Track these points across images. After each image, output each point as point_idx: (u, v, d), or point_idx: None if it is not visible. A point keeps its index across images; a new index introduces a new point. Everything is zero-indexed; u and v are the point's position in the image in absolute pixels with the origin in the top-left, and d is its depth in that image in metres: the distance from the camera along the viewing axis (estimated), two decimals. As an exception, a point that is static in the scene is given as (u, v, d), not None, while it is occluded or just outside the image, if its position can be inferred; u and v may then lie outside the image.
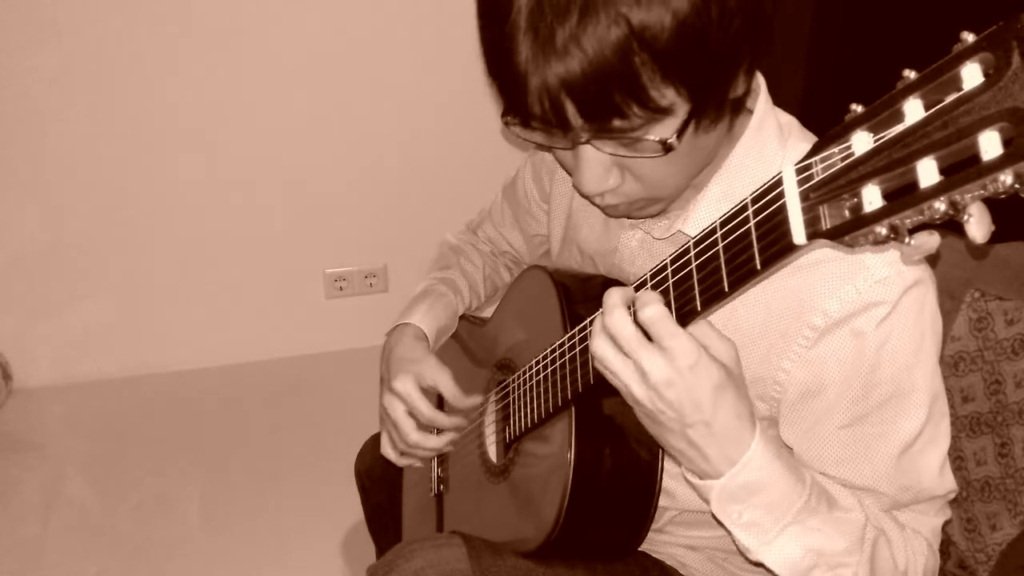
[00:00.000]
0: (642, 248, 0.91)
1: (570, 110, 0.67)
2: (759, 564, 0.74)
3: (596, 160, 0.73)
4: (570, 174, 0.79)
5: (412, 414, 1.03)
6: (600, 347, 0.69)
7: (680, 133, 0.69)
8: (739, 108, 0.77)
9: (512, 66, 0.67)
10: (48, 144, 2.05)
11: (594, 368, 0.74)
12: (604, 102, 0.66)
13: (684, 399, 0.66)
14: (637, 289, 0.71)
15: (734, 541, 0.74)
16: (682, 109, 0.68)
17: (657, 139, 0.69)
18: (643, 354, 0.66)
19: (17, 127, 2.02)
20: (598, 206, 0.81)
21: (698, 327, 0.68)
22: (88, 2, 1.93)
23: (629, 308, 0.69)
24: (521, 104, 0.69)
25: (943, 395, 0.80)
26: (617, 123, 0.68)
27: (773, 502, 0.71)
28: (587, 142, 0.72)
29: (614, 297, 0.67)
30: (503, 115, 0.74)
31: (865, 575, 0.75)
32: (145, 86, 2.04)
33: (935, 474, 0.81)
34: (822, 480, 0.79)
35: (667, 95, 0.67)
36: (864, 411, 0.78)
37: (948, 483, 0.82)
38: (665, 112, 0.68)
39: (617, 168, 0.75)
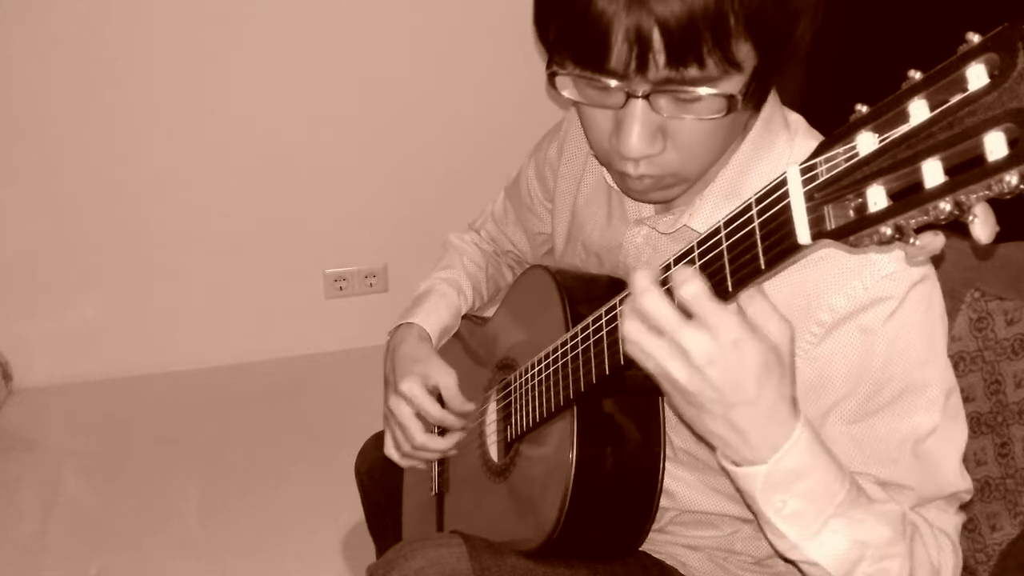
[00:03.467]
0: (647, 244, 0.91)
1: (656, 52, 0.67)
2: (791, 562, 0.72)
3: (647, 121, 0.73)
4: (600, 148, 0.79)
5: (419, 416, 1.03)
6: (633, 329, 0.66)
7: (745, 90, 0.71)
8: (760, 102, 0.78)
9: (595, 7, 0.67)
10: (48, 144, 2.05)
11: (624, 352, 0.72)
12: (692, 46, 0.66)
13: (727, 378, 0.63)
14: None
15: (771, 543, 0.72)
16: (748, 69, 0.70)
17: (723, 93, 0.70)
18: (684, 332, 0.63)
19: (17, 127, 2.02)
20: (629, 177, 0.79)
21: (756, 304, 0.66)
22: (88, 1, 1.93)
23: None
24: (599, 47, 0.69)
25: (957, 390, 0.79)
26: (692, 73, 0.68)
27: (816, 491, 0.69)
28: (646, 96, 0.71)
29: (645, 279, 0.64)
30: (555, 66, 0.74)
31: (908, 569, 0.72)
32: (145, 86, 2.04)
33: (955, 467, 0.79)
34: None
35: (743, 49, 0.68)
36: (876, 407, 0.78)
37: (967, 479, 0.81)
38: (736, 68, 0.69)
39: (661, 134, 0.74)
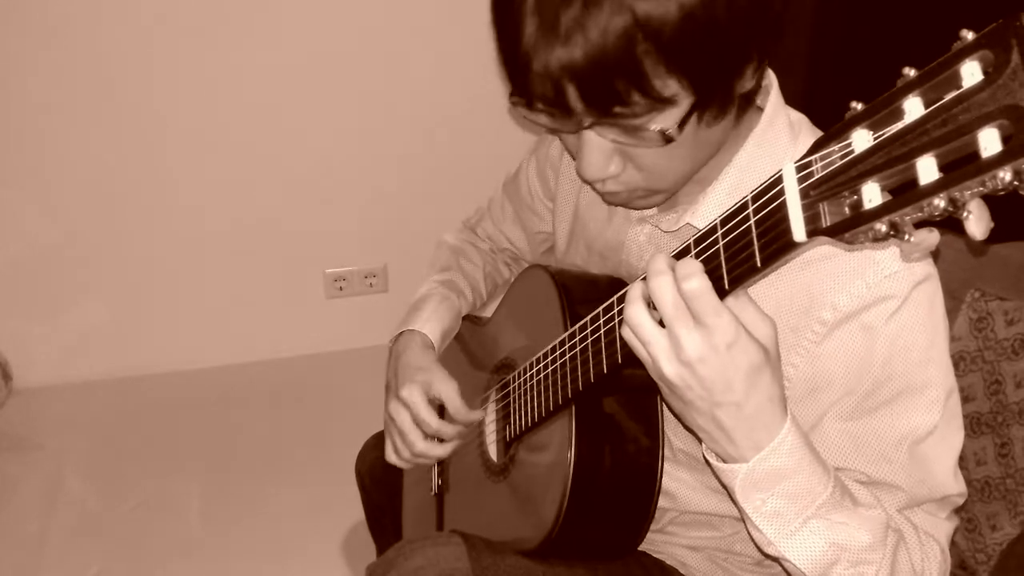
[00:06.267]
0: (650, 243, 0.90)
1: (571, 95, 0.67)
2: (774, 559, 0.72)
3: (598, 146, 0.73)
4: (573, 158, 0.79)
5: (418, 423, 1.03)
6: (636, 313, 0.66)
7: (681, 124, 0.69)
8: (748, 104, 0.77)
9: (517, 47, 0.68)
10: (47, 144, 2.05)
11: (620, 341, 0.72)
12: (606, 89, 0.66)
13: (716, 378, 0.63)
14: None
15: (750, 534, 0.72)
16: (685, 101, 0.68)
17: (658, 129, 0.69)
18: (680, 326, 0.62)
19: (16, 128, 2.02)
20: (599, 192, 0.81)
21: (738, 301, 0.65)
22: (87, 1, 1.93)
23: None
24: (525, 85, 0.70)
25: (956, 391, 0.79)
26: (619, 110, 0.68)
27: (798, 492, 0.69)
28: (589, 127, 0.72)
29: (662, 261, 0.64)
30: (510, 96, 0.74)
31: (887, 575, 0.73)
32: (145, 86, 2.04)
33: (950, 470, 0.79)
34: (841, 476, 0.77)
35: (670, 85, 0.67)
36: (875, 405, 0.78)
37: (961, 483, 0.80)
38: (667, 102, 0.68)
39: (619, 156, 0.75)
